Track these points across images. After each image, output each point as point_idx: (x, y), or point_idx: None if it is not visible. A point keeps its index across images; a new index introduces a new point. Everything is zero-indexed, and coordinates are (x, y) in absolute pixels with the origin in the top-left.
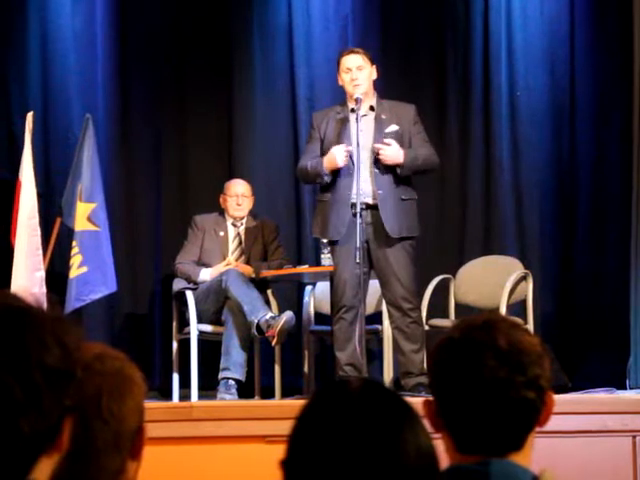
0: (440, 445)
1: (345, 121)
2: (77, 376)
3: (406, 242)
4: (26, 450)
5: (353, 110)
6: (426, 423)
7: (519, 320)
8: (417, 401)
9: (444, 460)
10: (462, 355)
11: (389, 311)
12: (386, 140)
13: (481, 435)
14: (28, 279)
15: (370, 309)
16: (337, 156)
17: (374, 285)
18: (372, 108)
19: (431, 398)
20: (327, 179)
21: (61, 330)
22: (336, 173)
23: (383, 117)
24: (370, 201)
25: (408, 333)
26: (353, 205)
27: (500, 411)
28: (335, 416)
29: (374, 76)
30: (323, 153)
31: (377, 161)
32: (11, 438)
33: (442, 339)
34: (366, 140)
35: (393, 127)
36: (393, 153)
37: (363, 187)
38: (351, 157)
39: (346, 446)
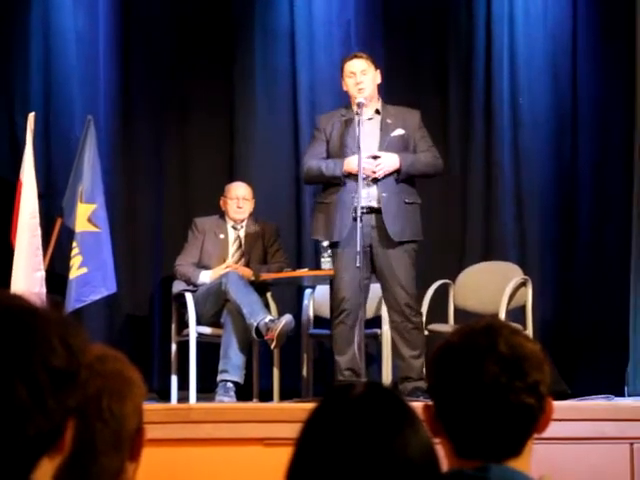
0: (440, 450)
1: (350, 123)
2: (81, 378)
3: (409, 246)
4: (29, 451)
5: (358, 114)
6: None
7: (519, 326)
8: (415, 405)
9: (443, 465)
10: (463, 360)
11: (390, 315)
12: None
13: (480, 440)
14: (28, 279)
15: (369, 313)
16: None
17: (374, 289)
18: (378, 112)
19: (430, 402)
20: (344, 181)
21: (67, 332)
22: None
23: (389, 121)
24: (375, 204)
25: (409, 339)
26: (355, 209)
27: (499, 416)
28: (341, 420)
29: (378, 80)
30: (329, 155)
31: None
32: (15, 439)
33: (442, 344)
34: (372, 144)
35: (399, 131)
36: (388, 162)
37: (368, 190)
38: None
39: (352, 448)
